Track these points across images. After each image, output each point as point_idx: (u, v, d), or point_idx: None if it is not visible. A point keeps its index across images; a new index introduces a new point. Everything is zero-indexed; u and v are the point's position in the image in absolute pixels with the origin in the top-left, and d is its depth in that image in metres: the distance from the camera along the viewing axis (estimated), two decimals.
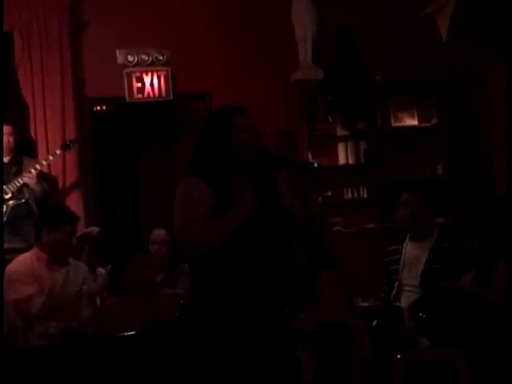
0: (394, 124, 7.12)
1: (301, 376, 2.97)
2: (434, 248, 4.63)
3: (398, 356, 4.03)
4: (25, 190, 6.08)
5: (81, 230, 6.48)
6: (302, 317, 4.16)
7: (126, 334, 3.86)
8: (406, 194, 4.78)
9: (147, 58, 6.80)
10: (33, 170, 6.04)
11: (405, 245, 4.75)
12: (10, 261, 4.64)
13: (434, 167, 7.10)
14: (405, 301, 4.56)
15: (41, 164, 6.13)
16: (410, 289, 4.59)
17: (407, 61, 6.93)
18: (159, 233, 5.29)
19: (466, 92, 7.09)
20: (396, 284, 4.63)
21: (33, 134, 6.59)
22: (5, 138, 6.10)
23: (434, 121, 7.09)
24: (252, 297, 2.81)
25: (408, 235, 4.77)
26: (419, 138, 7.14)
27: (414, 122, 7.14)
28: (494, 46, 6.63)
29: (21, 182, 6.03)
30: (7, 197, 6.01)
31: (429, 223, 4.77)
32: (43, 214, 5.17)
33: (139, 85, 6.81)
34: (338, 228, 6.69)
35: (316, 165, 6.85)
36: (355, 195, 7.03)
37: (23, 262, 4.55)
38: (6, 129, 6.13)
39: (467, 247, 4.74)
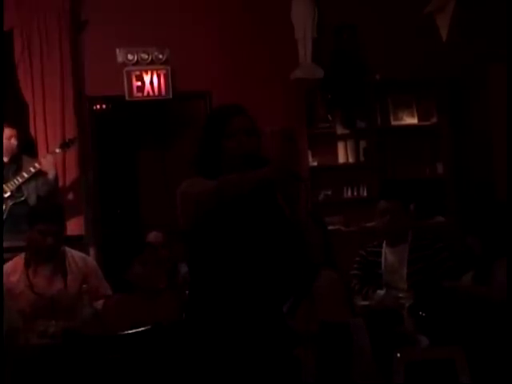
0: (393, 123, 7.12)
1: (301, 375, 2.97)
2: (412, 249, 4.65)
3: (398, 355, 4.03)
4: (23, 188, 6.09)
5: (80, 227, 6.52)
6: (301, 315, 4.15)
7: (126, 332, 3.85)
8: (383, 202, 4.76)
9: (147, 56, 6.80)
10: (49, 155, 6.07)
11: (383, 250, 4.74)
12: (8, 260, 4.62)
13: (434, 166, 7.10)
14: None
15: (40, 163, 6.13)
16: (401, 295, 4.58)
17: (407, 60, 6.93)
18: (158, 234, 5.14)
19: (466, 91, 7.09)
20: (384, 289, 4.61)
21: (32, 133, 6.59)
22: (9, 140, 6.10)
23: (434, 119, 7.09)
24: (251, 297, 2.80)
25: (384, 241, 4.76)
26: (419, 137, 7.14)
27: (414, 120, 7.14)
28: (494, 46, 6.63)
29: (20, 180, 6.04)
30: (6, 195, 6.01)
31: (406, 230, 4.73)
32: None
33: (139, 83, 6.80)
34: (338, 227, 6.70)
35: (316, 164, 6.90)
36: (355, 194, 7.03)
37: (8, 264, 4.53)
38: (11, 131, 6.14)
39: (443, 240, 4.76)
